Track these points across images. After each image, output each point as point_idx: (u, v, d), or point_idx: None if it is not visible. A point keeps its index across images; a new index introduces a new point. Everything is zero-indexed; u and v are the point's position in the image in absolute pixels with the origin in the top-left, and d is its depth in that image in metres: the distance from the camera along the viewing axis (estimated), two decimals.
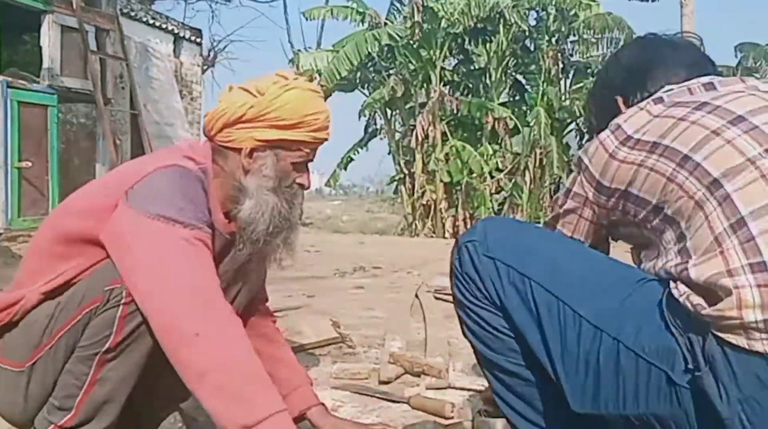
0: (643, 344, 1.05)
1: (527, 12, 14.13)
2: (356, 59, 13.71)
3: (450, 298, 4.32)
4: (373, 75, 15.31)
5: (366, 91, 15.59)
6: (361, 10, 14.66)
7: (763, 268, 0.98)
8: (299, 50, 17.14)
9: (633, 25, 13.26)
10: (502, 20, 13.68)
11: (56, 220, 1.43)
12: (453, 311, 4.02)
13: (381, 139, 15.92)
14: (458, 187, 14.02)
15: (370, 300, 4.14)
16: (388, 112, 15.38)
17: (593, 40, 13.86)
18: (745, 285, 0.98)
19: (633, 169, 1.17)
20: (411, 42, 13.75)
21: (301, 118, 1.40)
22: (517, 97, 15.00)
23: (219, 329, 1.24)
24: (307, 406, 1.63)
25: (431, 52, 13.89)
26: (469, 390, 2.12)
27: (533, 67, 14.34)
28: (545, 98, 13.85)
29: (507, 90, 15.02)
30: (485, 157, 13.83)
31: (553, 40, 14.08)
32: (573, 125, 14.53)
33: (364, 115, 15.61)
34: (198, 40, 14.30)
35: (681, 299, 1.04)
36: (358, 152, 15.86)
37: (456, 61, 15.23)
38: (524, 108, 14.34)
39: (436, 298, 3.96)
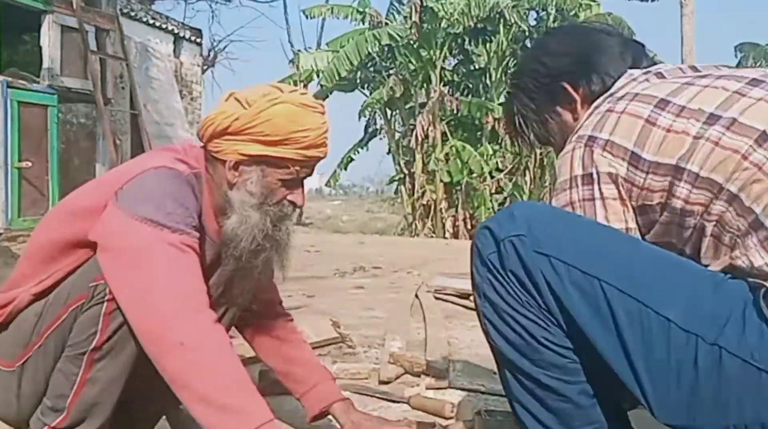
0: (750, 350, 0.96)
1: (527, 12, 14.14)
2: (356, 59, 13.72)
3: (450, 298, 4.29)
4: (373, 75, 15.31)
5: (366, 91, 15.60)
6: (361, 9, 14.67)
7: None
8: (299, 50, 17.17)
9: (633, 25, 13.29)
10: (502, 20, 13.68)
11: (51, 220, 1.42)
12: (453, 311, 3.99)
13: (381, 139, 15.94)
14: (458, 187, 14.03)
15: (370, 300, 4.14)
16: (388, 112, 15.39)
17: None
18: None
19: (688, 141, 1.07)
20: (411, 42, 13.75)
21: (287, 134, 1.33)
22: None
23: (202, 338, 1.21)
24: (328, 402, 1.60)
25: (431, 52, 13.89)
26: (469, 390, 2.12)
27: None
28: None
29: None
30: (485, 157, 13.83)
31: None
32: None
33: (364, 115, 15.63)
34: (198, 40, 14.31)
35: None
36: (358, 152, 15.88)
37: (456, 61, 15.25)
38: None
39: (436, 298, 3.96)
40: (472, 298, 4.01)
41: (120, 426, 1.40)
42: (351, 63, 13.73)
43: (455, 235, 13.59)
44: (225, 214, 1.39)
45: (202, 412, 1.17)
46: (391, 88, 13.84)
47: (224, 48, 21.85)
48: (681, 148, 1.07)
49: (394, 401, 1.99)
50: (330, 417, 1.63)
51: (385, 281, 5.25)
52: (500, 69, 14.47)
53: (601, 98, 1.26)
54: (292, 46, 23.25)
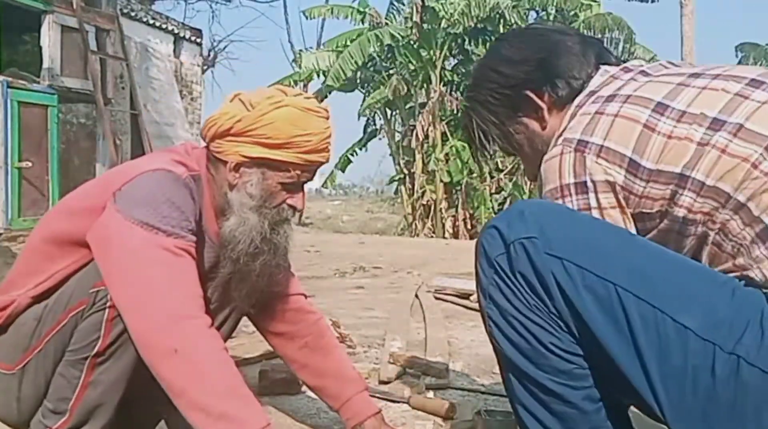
0: None
1: (527, 12, 14.15)
2: (360, 59, 13.74)
3: (450, 298, 4.28)
4: (373, 75, 15.32)
5: (366, 91, 15.60)
6: (361, 9, 14.68)
7: None
8: (301, 50, 17.19)
9: (633, 25, 13.30)
10: (502, 20, 13.68)
11: (50, 219, 1.42)
12: (453, 311, 3.99)
13: (380, 139, 15.94)
14: (458, 187, 14.03)
15: (370, 300, 4.14)
16: (388, 112, 15.40)
17: None
18: None
19: (692, 148, 1.03)
20: (411, 42, 13.76)
21: (288, 138, 1.33)
22: None
23: (196, 344, 1.21)
24: (360, 419, 1.56)
25: (431, 52, 13.90)
26: (469, 390, 2.12)
27: None
28: None
29: None
30: (485, 157, 13.81)
31: None
32: None
33: (364, 115, 15.63)
34: (198, 40, 14.31)
35: None
36: (356, 153, 15.87)
37: (456, 61, 15.24)
38: None
39: (436, 298, 3.96)
40: (472, 298, 4.00)
41: (120, 427, 1.40)
42: (356, 63, 13.74)
43: (455, 235, 13.60)
44: (224, 216, 1.39)
45: (198, 420, 1.17)
46: (392, 88, 13.85)
47: (224, 48, 21.88)
48: (685, 156, 1.04)
49: (394, 401, 1.99)
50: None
51: (385, 281, 5.25)
52: None
53: (582, 96, 1.20)
54: (292, 46, 23.32)
